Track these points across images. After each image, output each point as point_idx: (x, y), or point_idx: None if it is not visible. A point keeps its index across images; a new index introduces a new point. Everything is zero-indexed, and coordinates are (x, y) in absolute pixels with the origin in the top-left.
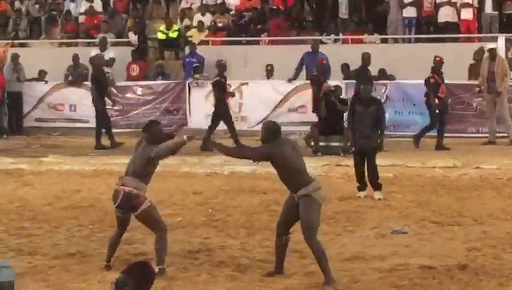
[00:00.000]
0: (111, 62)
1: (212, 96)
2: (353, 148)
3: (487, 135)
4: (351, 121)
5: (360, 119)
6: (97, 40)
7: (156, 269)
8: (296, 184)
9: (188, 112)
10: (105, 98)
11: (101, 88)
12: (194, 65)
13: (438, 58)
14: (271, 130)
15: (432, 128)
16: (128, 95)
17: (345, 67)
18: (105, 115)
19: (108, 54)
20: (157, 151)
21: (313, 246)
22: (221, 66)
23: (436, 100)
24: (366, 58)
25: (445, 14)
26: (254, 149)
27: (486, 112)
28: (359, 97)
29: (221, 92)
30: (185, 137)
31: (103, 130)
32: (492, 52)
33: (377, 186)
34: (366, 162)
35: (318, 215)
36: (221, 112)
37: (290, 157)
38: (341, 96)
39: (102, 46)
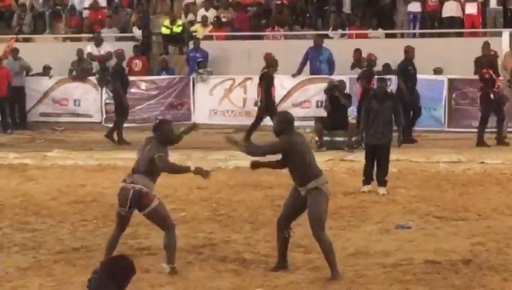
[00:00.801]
0: (109, 56)
1: (258, 89)
2: (362, 144)
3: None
4: (365, 117)
5: (375, 115)
6: (101, 34)
7: (168, 269)
8: (307, 177)
9: (192, 107)
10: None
11: (124, 83)
12: (198, 60)
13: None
14: (285, 121)
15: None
16: (133, 90)
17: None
18: (126, 109)
19: (105, 49)
20: (161, 163)
21: (321, 240)
22: (271, 59)
23: (492, 95)
24: (410, 52)
25: (450, 9)
26: (275, 142)
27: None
28: (375, 93)
29: (269, 84)
30: (192, 167)
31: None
32: None
33: (383, 183)
34: (377, 158)
35: (326, 209)
36: (268, 106)
37: (305, 149)
38: (345, 91)
39: (97, 41)
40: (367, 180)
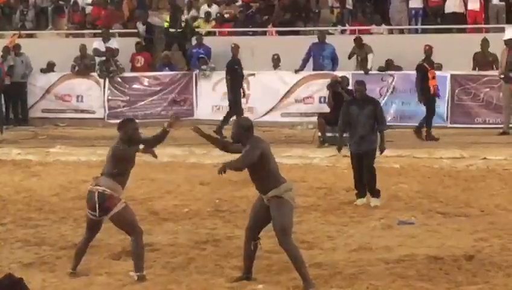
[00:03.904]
0: (115, 53)
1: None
2: (341, 149)
3: (494, 125)
4: (341, 124)
5: (355, 120)
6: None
7: (135, 277)
8: (268, 184)
9: (194, 103)
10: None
11: (236, 78)
12: (199, 56)
13: None
14: (246, 128)
15: None
16: (135, 85)
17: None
18: (238, 105)
19: (112, 44)
20: (114, 151)
21: (288, 249)
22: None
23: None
24: None
25: (452, 5)
26: (252, 151)
27: (503, 103)
28: (354, 96)
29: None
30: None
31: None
32: (509, 42)
33: (375, 193)
34: (363, 166)
35: (291, 217)
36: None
37: (268, 155)
38: (348, 87)
39: (105, 37)
40: (360, 192)
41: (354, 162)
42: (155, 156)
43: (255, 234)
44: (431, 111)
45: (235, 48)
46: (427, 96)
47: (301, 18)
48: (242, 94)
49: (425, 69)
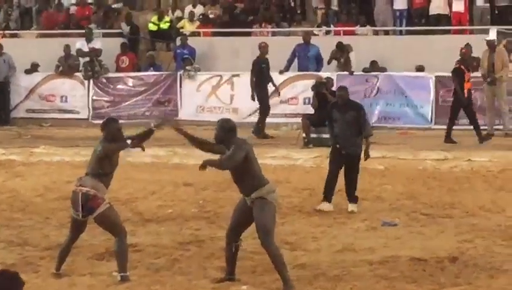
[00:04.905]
0: (98, 53)
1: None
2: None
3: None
4: (329, 127)
5: (337, 124)
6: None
7: (118, 277)
8: (252, 185)
9: (179, 104)
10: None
11: (261, 76)
12: (184, 56)
13: None
14: (229, 129)
15: None
16: (120, 86)
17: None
18: (264, 104)
19: (95, 44)
20: (103, 151)
21: (270, 250)
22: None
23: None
24: None
25: (437, 7)
26: (237, 151)
27: (486, 104)
28: (335, 102)
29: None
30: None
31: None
32: (491, 43)
33: (354, 199)
34: (345, 170)
35: (274, 218)
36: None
37: (252, 157)
38: (332, 89)
39: (88, 37)
40: (328, 197)
41: (336, 157)
42: (143, 148)
43: (236, 236)
44: (471, 113)
45: (264, 47)
46: (464, 100)
47: (286, 19)
48: (277, 92)
49: (462, 71)
